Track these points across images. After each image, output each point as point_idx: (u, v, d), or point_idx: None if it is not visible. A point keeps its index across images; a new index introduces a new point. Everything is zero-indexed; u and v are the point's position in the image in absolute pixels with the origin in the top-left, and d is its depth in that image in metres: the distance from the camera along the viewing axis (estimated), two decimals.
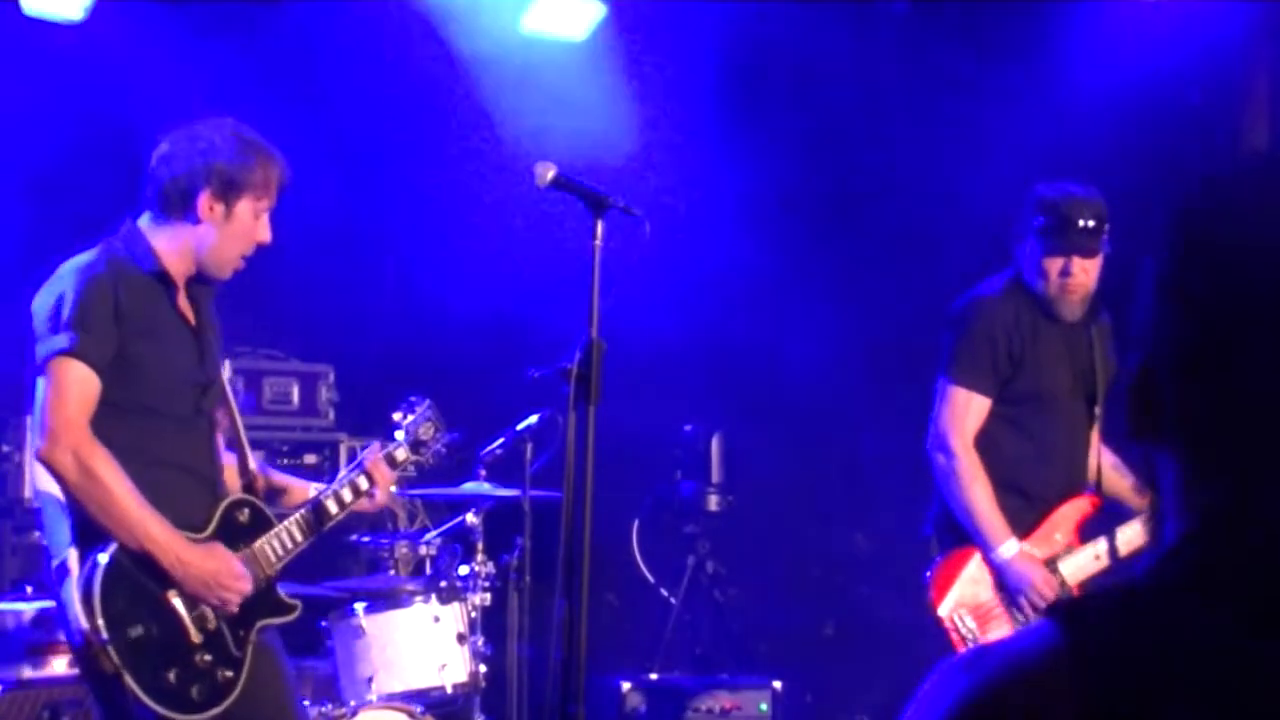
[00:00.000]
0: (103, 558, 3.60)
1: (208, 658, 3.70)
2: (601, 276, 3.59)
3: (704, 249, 7.37)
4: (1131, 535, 4.69)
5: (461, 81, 7.05)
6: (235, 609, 3.75)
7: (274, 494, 4.13)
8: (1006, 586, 4.57)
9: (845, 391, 7.32)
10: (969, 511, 4.57)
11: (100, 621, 3.55)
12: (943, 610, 4.58)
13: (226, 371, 4.06)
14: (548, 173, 3.63)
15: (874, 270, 7.41)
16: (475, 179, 7.08)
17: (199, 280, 3.89)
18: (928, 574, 4.65)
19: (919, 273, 6.97)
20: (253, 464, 4.01)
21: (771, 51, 7.35)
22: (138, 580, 3.63)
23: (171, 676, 3.63)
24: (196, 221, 3.78)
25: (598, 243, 3.58)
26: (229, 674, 3.74)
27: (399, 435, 4.30)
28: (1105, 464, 4.82)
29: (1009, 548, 4.55)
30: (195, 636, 3.69)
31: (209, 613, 3.72)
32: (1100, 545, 4.69)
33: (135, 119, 6.29)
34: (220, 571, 3.70)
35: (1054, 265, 4.63)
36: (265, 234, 3.84)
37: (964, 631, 4.55)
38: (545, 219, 6.00)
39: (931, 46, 7.26)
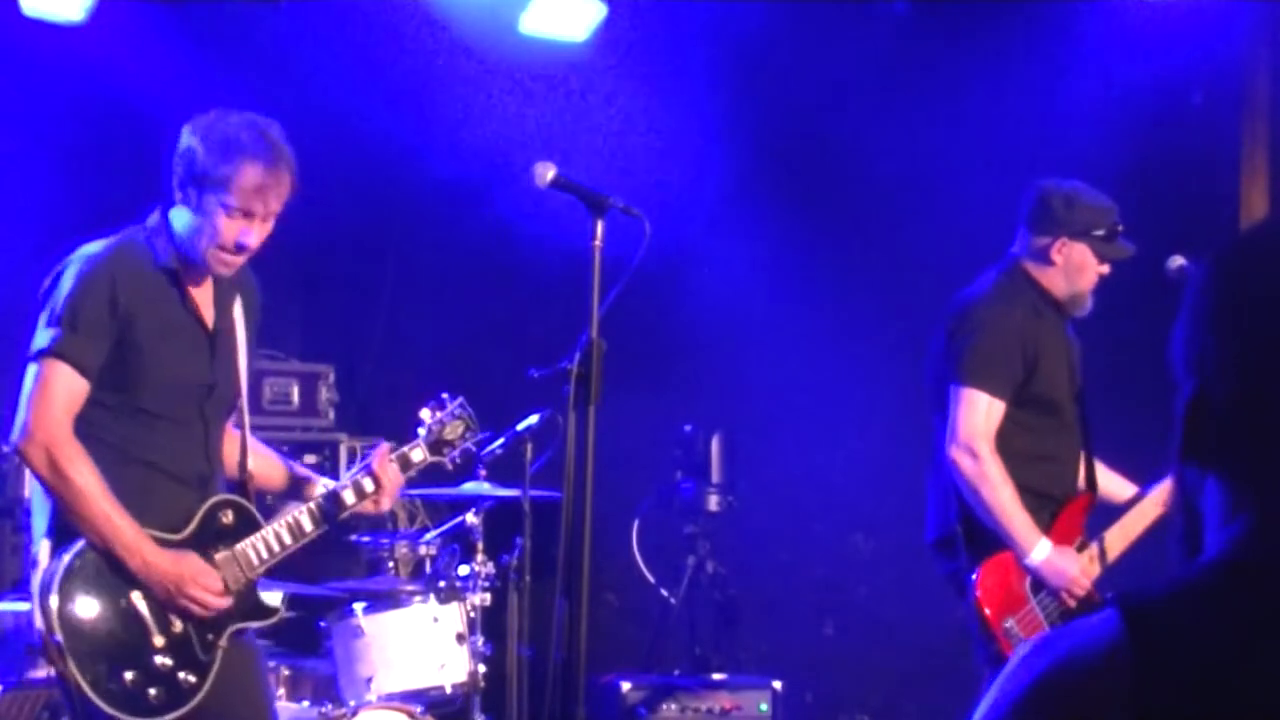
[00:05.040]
0: (67, 556, 3.58)
1: (168, 661, 3.65)
2: (602, 276, 3.59)
3: (704, 248, 7.37)
4: (1115, 538, 4.73)
5: (461, 81, 7.06)
6: (204, 615, 3.70)
7: (288, 489, 4.08)
8: (1045, 586, 4.56)
9: (846, 391, 7.32)
10: (1000, 515, 4.53)
11: (54, 621, 3.54)
12: (1007, 623, 4.53)
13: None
14: (548, 173, 3.63)
15: (874, 270, 7.41)
16: (475, 179, 7.08)
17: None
18: (973, 578, 4.56)
19: (919, 272, 6.96)
20: (251, 463, 3.96)
21: (771, 51, 7.34)
22: (102, 579, 3.60)
23: (128, 678, 3.59)
24: (176, 204, 3.77)
25: (597, 243, 3.58)
26: (192, 678, 3.68)
27: (421, 433, 4.21)
28: (1092, 466, 4.85)
29: (1043, 548, 4.54)
30: (157, 639, 3.64)
31: (175, 615, 3.67)
32: (1094, 548, 4.71)
33: (136, 119, 6.31)
34: (185, 578, 3.64)
35: (1103, 269, 4.73)
36: (227, 235, 3.69)
37: (1015, 643, 4.51)
38: (545, 219, 6.00)
39: (931, 47, 7.26)
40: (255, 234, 3.73)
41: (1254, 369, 1.41)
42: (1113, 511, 4.84)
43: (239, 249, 3.72)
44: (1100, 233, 4.70)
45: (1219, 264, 1.49)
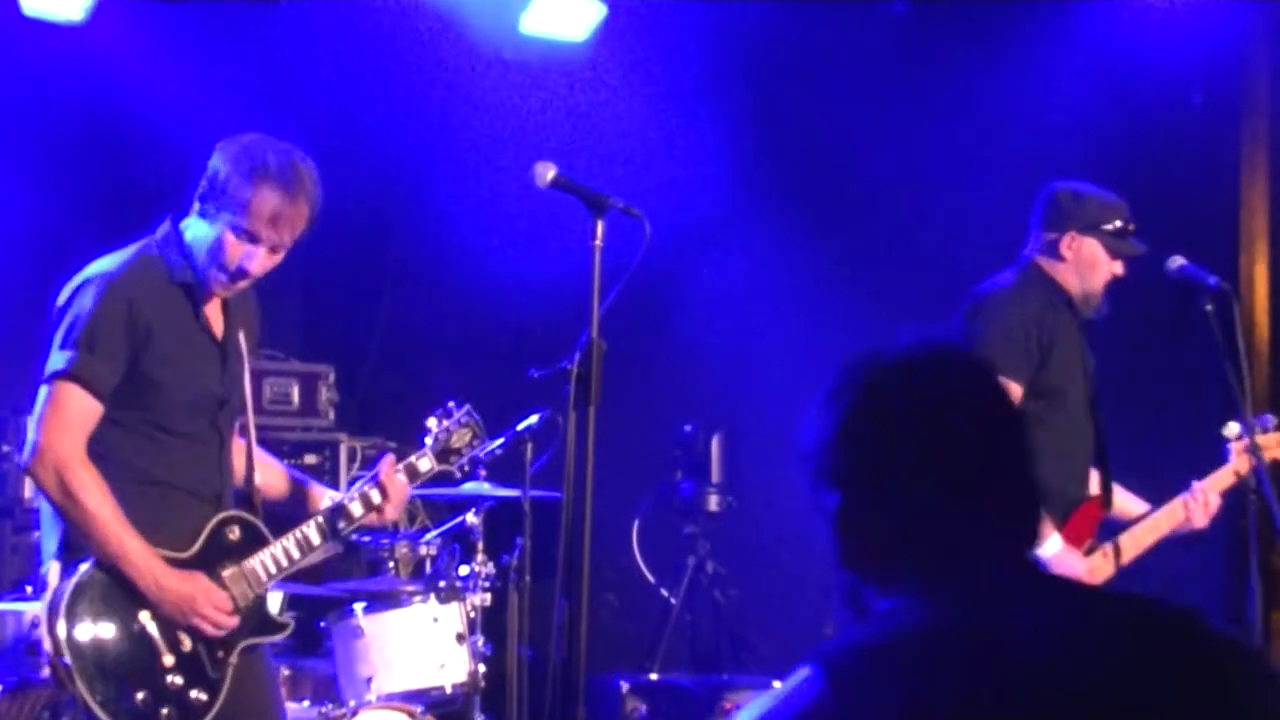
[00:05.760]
0: (75, 578, 3.57)
1: (179, 680, 3.64)
2: (602, 277, 3.58)
3: (704, 248, 7.37)
4: (1128, 544, 4.74)
5: (461, 81, 7.05)
6: (214, 635, 3.69)
7: (294, 500, 4.06)
8: None
9: None
10: None
11: (63, 644, 3.53)
12: None
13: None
14: (548, 173, 3.62)
15: (874, 269, 7.41)
16: (475, 179, 7.08)
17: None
18: None
19: (919, 272, 6.96)
20: (258, 477, 3.94)
21: (771, 51, 7.34)
22: (110, 600, 3.59)
23: (139, 699, 3.58)
24: (191, 216, 3.74)
25: (598, 243, 3.57)
26: (203, 697, 3.66)
27: (428, 442, 4.19)
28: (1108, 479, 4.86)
29: (1054, 543, 4.53)
30: (167, 658, 3.63)
31: (184, 633, 3.66)
32: (1107, 548, 4.71)
33: (137, 119, 6.31)
34: (195, 600, 3.64)
35: (1117, 265, 4.73)
36: (230, 256, 3.66)
37: None
38: (545, 219, 6.00)
39: (931, 47, 7.25)
40: (258, 261, 3.69)
41: (888, 481, 1.71)
42: (1123, 523, 4.85)
43: (239, 273, 3.69)
44: (1109, 227, 4.70)
45: (852, 386, 1.77)
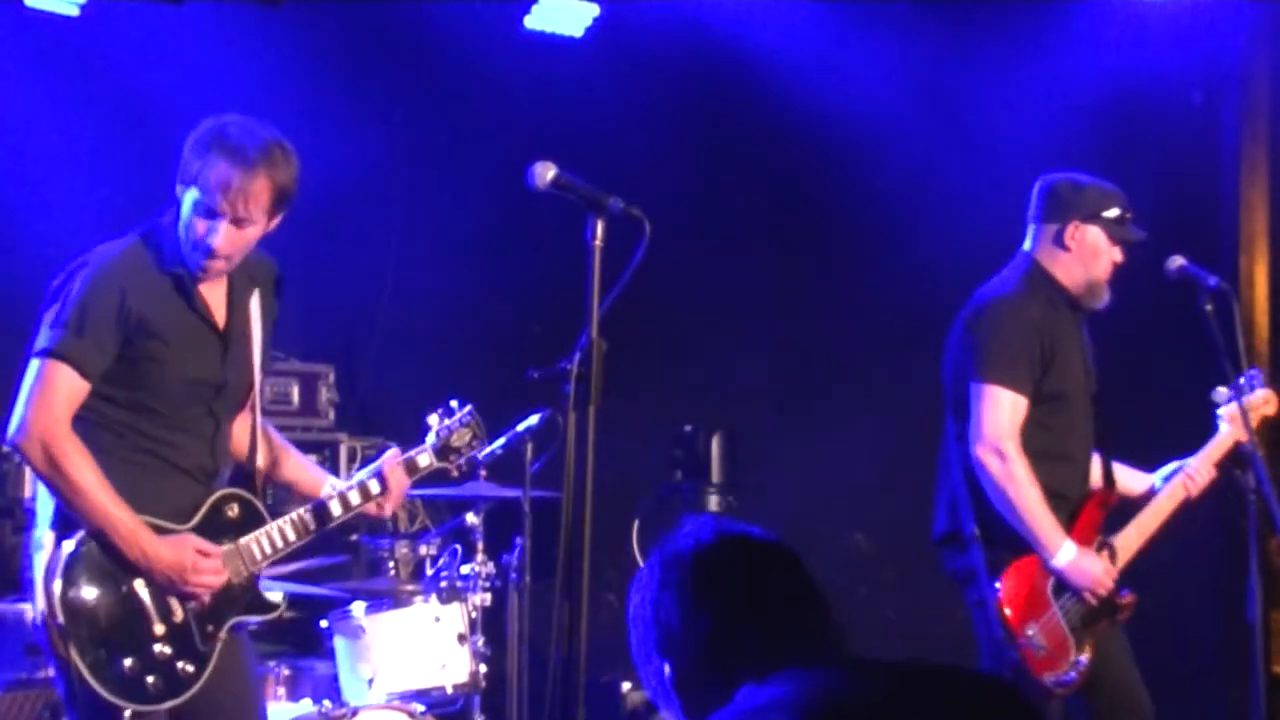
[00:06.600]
0: (70, 544, 3.60)
1: (168, 650, 3.66)
2: (602, 277, 3.58)
3: (702, 248, 7.37)
4: (1131, 536, 4.74)
5: (461, 81, 7.05)
6: (206, 601, 3.72)
7: (287, 485, 4.09)
8: (1068, 588, 4.55)
9: (845, 391, 7.32)
10: (1026, 516, 4.50)
11: (57, 605, 3.55)
12: (1029, 630, 4.52)
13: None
14: (547, 173, 3.62)
15: (874, 269, 7.41)
16: (475, 179, 7.08)
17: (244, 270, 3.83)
18: (996, 586, 4.52)
19: (920, 272, 6.97)
20: (260, 461, 3.97)
21: (768, 50, 7.35)
22: (105, 567, 3.62)
23: (127, 665, 3.60)
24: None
25: (598, 243, 3.57)
26: (189, 668, 3.69)
27: (429, 439, 4.21)
28: (1109, 463, 4.85)
29: (1068, 550, 4.52)
30: (158, 627, 3.66)
31: (176, 604, 3.69)
32: (1103, 553, 4.70)
33: (139, 115, 6.32)
34: (184, 566, 3.65)
35: (1117, 252, 4.72)
36: (199, 233, 3.65)
37: (1036, 650, 4.51)
38: (545, 219, 6.00)
39: (931, 46, 7.26)
40: (223, 236, 3.65)
41: (702, 642, 2.05)
42: (1126, 507, 4.84)
43: (206, 250, 3.67)
44: (1111, 215, 4.70)
45: (656, 573, 2.11)
